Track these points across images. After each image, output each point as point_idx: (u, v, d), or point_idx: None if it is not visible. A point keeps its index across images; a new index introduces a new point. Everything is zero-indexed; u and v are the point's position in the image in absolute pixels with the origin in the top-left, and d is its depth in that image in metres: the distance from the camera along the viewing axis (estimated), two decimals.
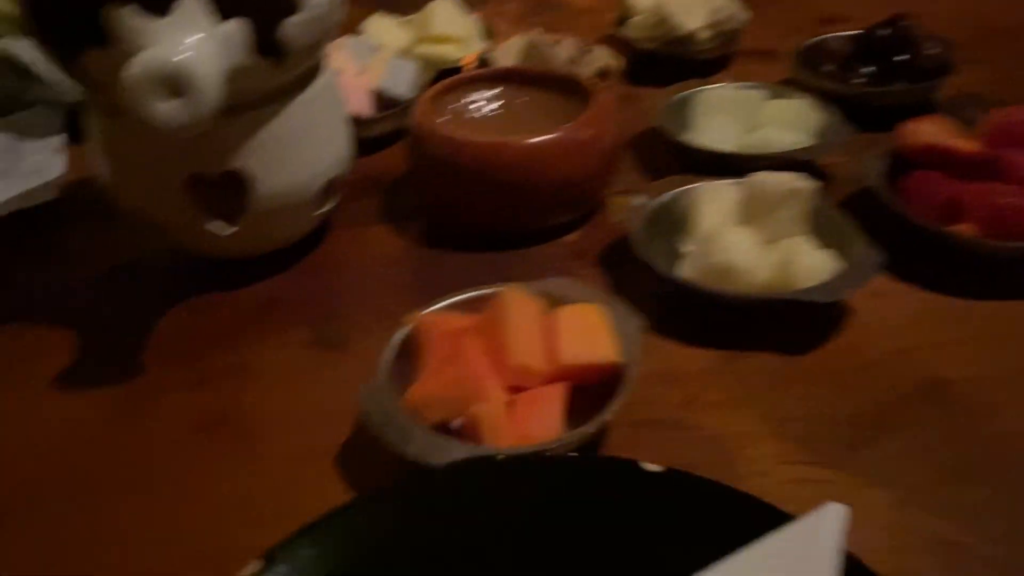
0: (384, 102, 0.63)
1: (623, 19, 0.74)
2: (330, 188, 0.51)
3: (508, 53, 0.67)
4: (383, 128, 0.63)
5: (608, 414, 0.37)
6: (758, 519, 0.28)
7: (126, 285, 0.53)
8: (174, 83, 0.38)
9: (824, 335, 0.45)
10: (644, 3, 0.73)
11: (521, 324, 0.40)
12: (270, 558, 0.28)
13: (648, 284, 0.47)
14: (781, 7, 0.82)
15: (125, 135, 0.47)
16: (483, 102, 0.57)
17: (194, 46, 0.39)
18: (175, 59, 0.37)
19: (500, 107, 0.57)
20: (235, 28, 0.42)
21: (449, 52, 0.70)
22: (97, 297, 0.52)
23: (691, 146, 0.56)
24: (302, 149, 0.49)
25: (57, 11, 0.42)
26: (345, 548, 0.29)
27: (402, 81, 0.63)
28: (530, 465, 0.32)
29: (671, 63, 0.70)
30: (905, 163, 0.52)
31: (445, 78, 0.65)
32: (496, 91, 0.58)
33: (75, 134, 0.68)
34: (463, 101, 0.57)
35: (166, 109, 0.38)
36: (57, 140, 0.67)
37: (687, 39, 0.69)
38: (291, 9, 0.44)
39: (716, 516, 0.30)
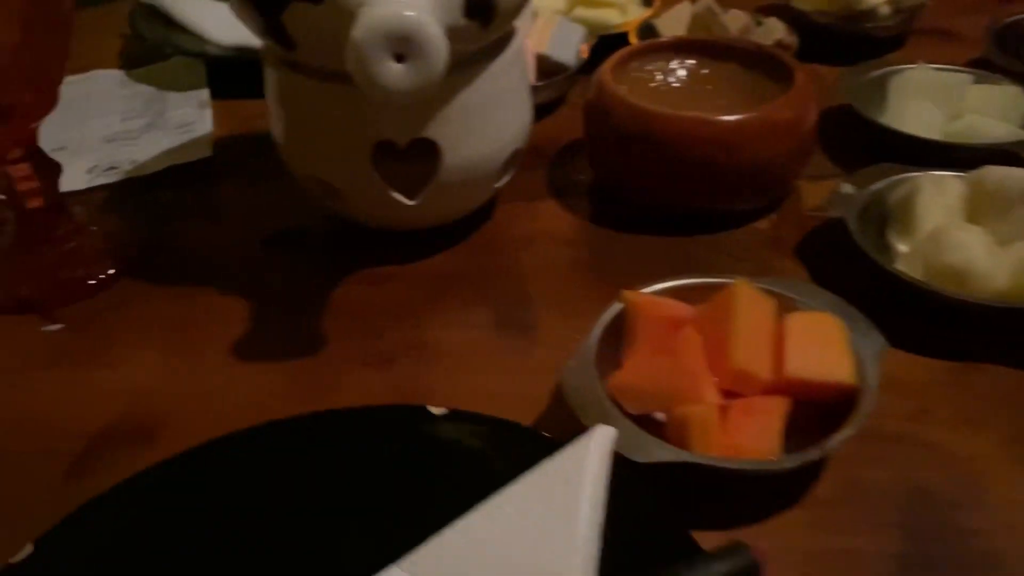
0: (547, 68, 0.60)
1: None
2: (513, 159, 0.49)
3: (674, 21, 0.63)
4: (547, 95, 0.59)
5: (836, 442, 0.34)
6: (540, 449, 0.31)
7: (294, 251, 0.50)
8: (405, 43, 0.35)
9: None
10: None
11: (748, 325, 0.36)
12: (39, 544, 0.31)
13: (859, 281, 0.44)
14: None
15: (313, 97, 0.44)
16: (668, 73, 0.54)
17: (421, 3, 0.36)
18: (408, 16, 0.35)
19: (687, 80, 0.53)
20: None
21: (609, 16, 0.66)
22: (265, 262, 0.50)
23: (892, 130, 0.52)
24: (493, 118, 0.46)
25: None
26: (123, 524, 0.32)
27: (568, 47, 0.60)
28: (322, 421, 0.36)
29: (845, 39, 0.66)
30: None
31: (606, 44, 0.61)
32: (682, 62, 0.54)
33: (217, 88, 0.66)
34: (646, 71, 0.54)
35: (395, 72, 0.35)
36: (202, 94, 0.65)
37: (867, 14, 0.64)
38: None
39: (502, 449, 0.34)
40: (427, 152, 0.45)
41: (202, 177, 0.57)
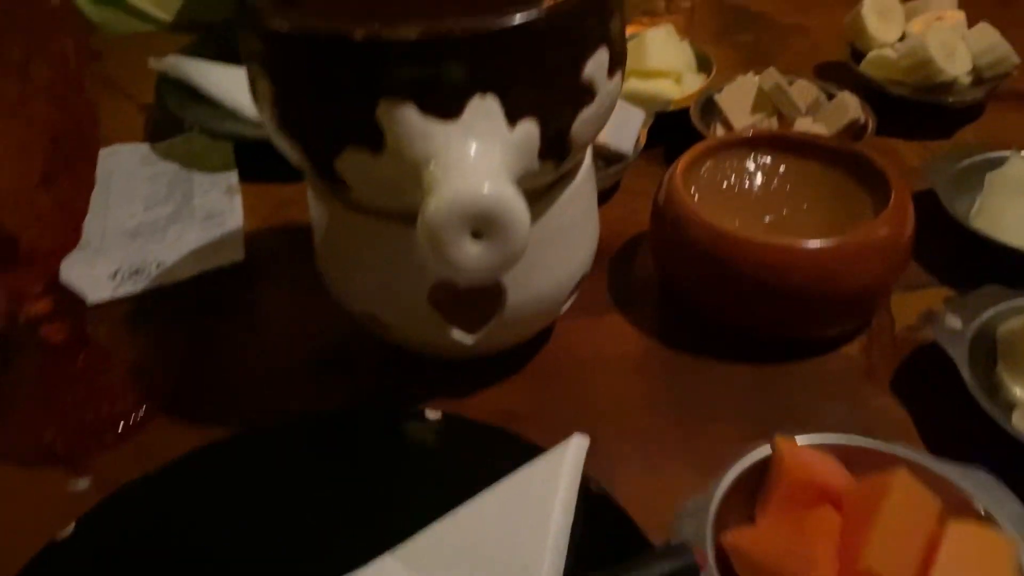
0: (604, 154, 0.55)
1: (857, 51, 0.65)
2: (579, 284, 0.44)
3: (738, 96, 0.59)
4: (601, 185, 0.55)
5: None
6: (522, 454, 0.36)
7: (341, 377, 0.46)
8: (484, 222, 0.30)
9: None
10: (886, 34, 0.64)
11: (896, 524, 0.32)
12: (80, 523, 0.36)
13: (973, 430, 0.39)
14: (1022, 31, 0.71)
15: (366, 235, 0.40)
16: (742, 173, 0.49)
17: (497, 170, 0.32)
18: (488, 195, 0.30)
19: (764, 180, 0.49)
20: (527, 133, 0.34)
21: (666, 89, 0.61)
22: (311, 391, 0.45)
23: (994, 241, 0.47)
24: (562, 249, 0.42)
25: (319, 103, 0.34)
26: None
27: (627, 134, 0.55)
28: (324, 422, 0.40)
29: (920, 108, 0.61)
30: None
31: (663, 122, 0.57)
32: (758, 159, 0.49)
33: (246, 168, 0.62)
34: (719, 170, 0.49)
35: (473, 252, 0.31)
36: (231, 177, 0.61)
37: (946, 85, 0.59)
38: (584, 101, 0.36)
39: (488, 453, 0.37)
40: (489, 288, 0.41)
41: (236, 283, 0.52)
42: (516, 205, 0.31)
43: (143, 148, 0.66)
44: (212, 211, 0.58)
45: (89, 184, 0.40)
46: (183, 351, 0.48)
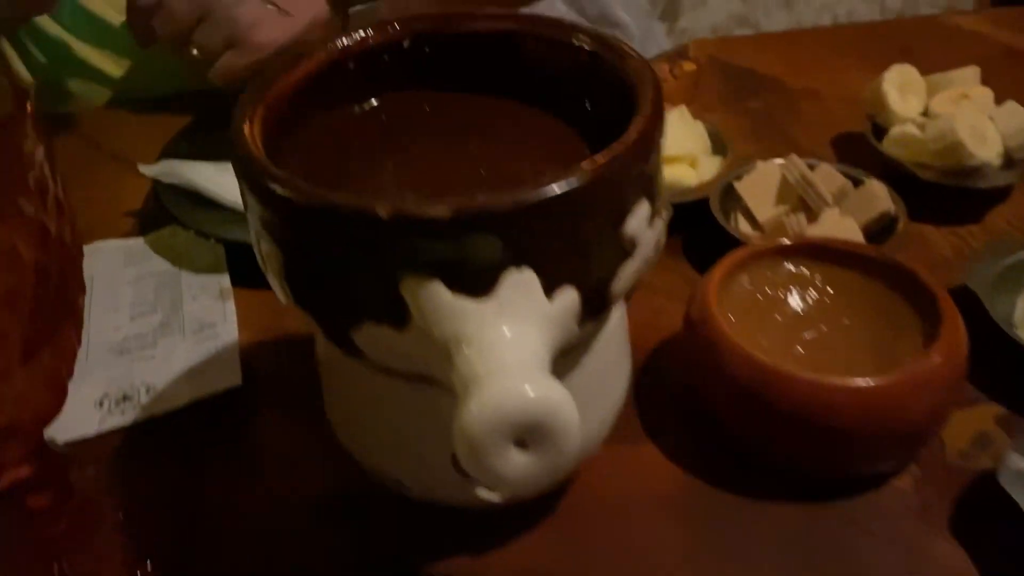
0: None
1: (877, 126, 0.62)
2: (613, 424, 0.41)
3: (760, 185, 0.55)
4: None
5: None
6: None
7: (352, 529, 0.42)
8: (531, 430, 0.27)
9: None
10: (908, 109, 0.61)
11: None
12: None
13: None
14: None
15: (384, 395, 0.36)
16: (778, 286, 0.46)
17: (543, 361, 0.28)
18: (536, 400, 0.27)
19: (801, 293, 0.45)
20: (567, 302, 0.31)
21: (683, 175, 0.58)
22: (318, 545, 0.42)
23: None
24: (596, 395, 0.38)
25: (336, 277, 0.31)
26: None
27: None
28: None
29: (947, 192, 0.58)
30: None
31: (682, 213, 0.54)
32: (794, 268, 0.46)
33: (239, 273, 0.57)
34: (754, 283, 0.46)
35: (518, 464, 0.27)
36: (222, 280, 0.57)
37: (977, 169, 0.56)
38: (625, 257, 0.33)
39: None
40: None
41: (233, 411, 0.48)
42: (566, 410, 0.27)
43: (127, 245, 0.61)
44: (204, 321, 0.54)
45: (73, 347, 0.36)
46: (175, 501, 0.44)
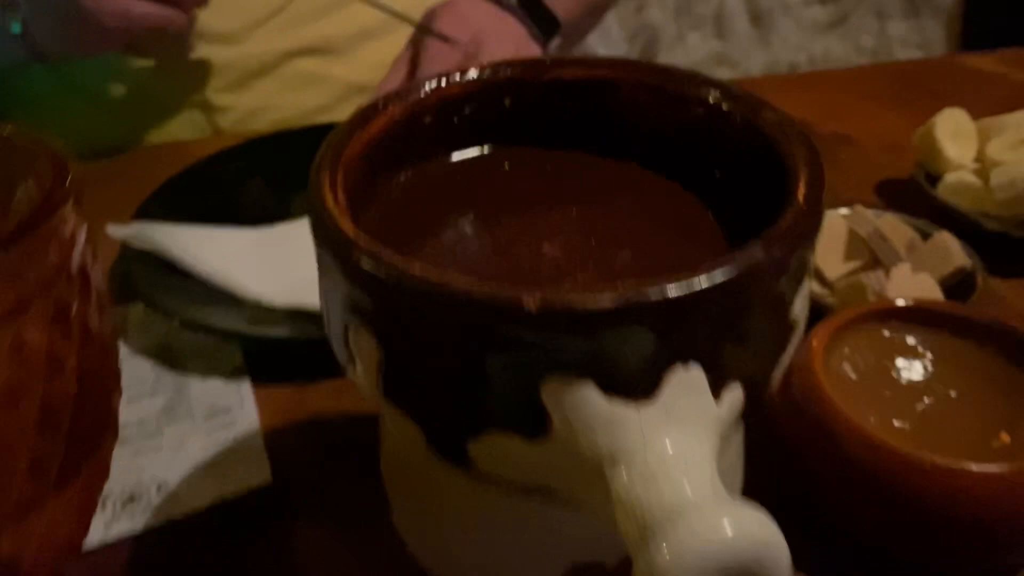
0: None
1: (929, 173, 0.59)
2: None
3: (824, 237, 0.51)
4: None
5: None
6: None
7: None
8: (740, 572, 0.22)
9: None
10: (961, 155, 0.58)
11: None
12: None
13: None
14: None
15: (486, 508, 0.30)
16: (879, 353, 0.41)
17: (715, 480, 0.23)
18: (746, 541, 0.21)
19: (905, 364, 0.41)
20: (733, 402, 0.26)
21: None
22: None
23: None
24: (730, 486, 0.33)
25: (457, 379, 0.25)
26: None
27: None
28: None
29: (1009, 241, 0.55)
30: None
31: None
32: (894, 336, 0.42)
33: (257, 368, 0.51)
34: (855, 352, 0.41)
35: None
36: (233, 358, 0.50)
37: None
38: (787, 343, 0.28)
39: None
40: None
41: (263, 515, 0.42)
42: (778, 547, 0.22)
43: (115, 313, 0.54)
44: (216, 405, 0.47)
45: (108, 464, 0.29)
46: None
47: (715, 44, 1.31)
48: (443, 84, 0.33)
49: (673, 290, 0.23)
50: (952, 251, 0.50)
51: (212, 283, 0.52)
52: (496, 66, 0.34)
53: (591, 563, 0.30)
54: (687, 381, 0.25)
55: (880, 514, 0.37)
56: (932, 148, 0.58)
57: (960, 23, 1.40)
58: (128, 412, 0.47)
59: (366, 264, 0.25)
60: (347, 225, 0.26)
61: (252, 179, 0.62)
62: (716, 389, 0.25)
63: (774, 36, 1.33)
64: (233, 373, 0.49)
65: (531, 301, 0.23)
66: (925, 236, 0.52)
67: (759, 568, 0.22)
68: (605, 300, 0.23)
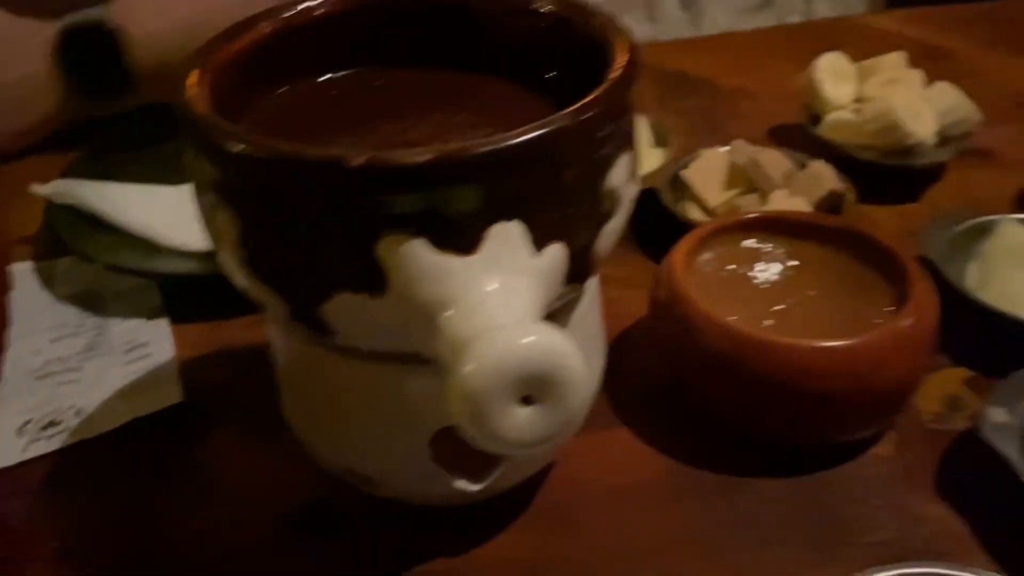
0: None
1: (814, 115, 0.63)
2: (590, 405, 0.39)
3: (708, 171, 0.55)
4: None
5: None
6: None
7: (320, 539, 0.39)
8: (537, 384, 0.25)
9: None
10: (840, 95, 0.62)
11: None
12: None
13: None
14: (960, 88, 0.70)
15: (354, 381, 0.33)
16: (742, 261, 0.45)
17: (536, 314, 0.26)
18: (540, 349, 0.24)
19: (767, 267, 0.45)
20: (554, 257, 0.29)
21: None
22: (280, 559, 0.38)
23: (1010, 318, 0.45)
24: None
25: (304, 242, 0.28)
26: None
27: None
28: None
29: (886, 172, 0.59)
30: None
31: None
32: (755, 242, 0.46)
33: (176, 310, 0.53)
34: (718, 260, 0.45)
35: (522, 420, 0.25)
36: (151, 300, 0.53)
37: (914, 148, 0.57)
38: (609, 213, 0.31)
39: None
40: None
41: (175, 432, 0.44)
42: (572, 359, 0.25)
43: (38, 268, 0.57)
44: (135, 341, 0.50)
45: None
46: (119, 528, 0.40)
47: (648, 27, 1.35)
48: (312, 4, 0.36)
49: (488, 147, 0.27)
50: (825, 177, 0.54)
51: (133, 232, 0.55)
52: None
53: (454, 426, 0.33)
54: (507, 235, 0.28)
55: (737, 395, 0.40)
56: (814, 90, 0.62)
57: None
58: (50, 351, 0.50)
59: (217, 141, 0.28)
60: (205, 110, 0.29)
61: (173, 140, 0.64)
62: (537, 243, 0.28)
63: (704, 20, 1.37)
64: (153, 313, 0.52)
65: (358, 159, 0.26)
66: (803, 167, 0.56)
67: (556, 376, 0.25)
68: (426, 155, 0.26)
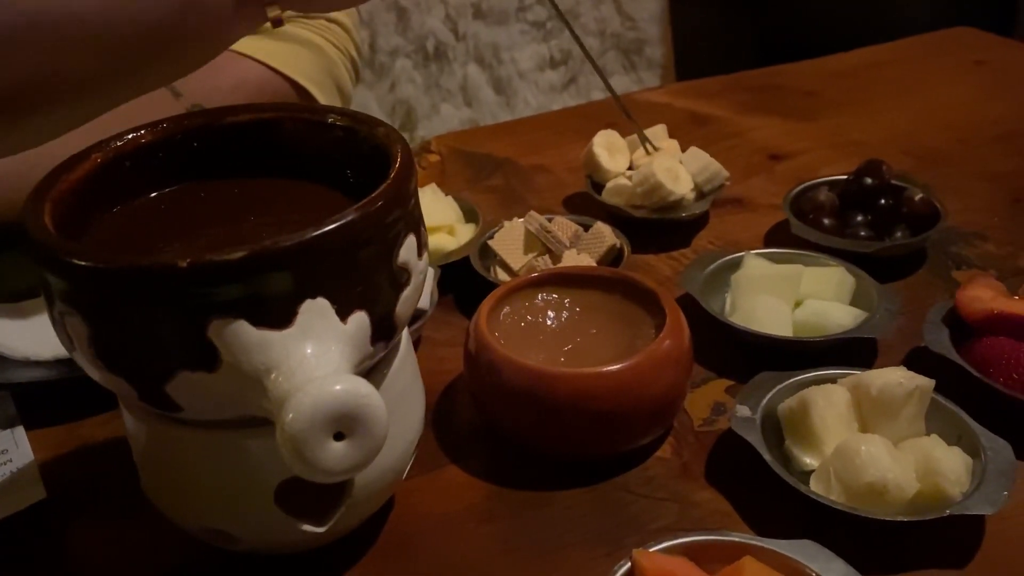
0: None
1: (595, 183, 0.73)
2: (416, 447, 0.46)
3: (510, 240, 0.64)
4: None
5: None
6: None
7: None
8: (347, 422, 0.32)
9: (973, 549, 0.44)
10: (617, 165, 0.72)
11: None
12: None
13: (785, 504, 0.45)
14: (721, 147, 0.83)
15: (202, 449, 0.39)
16: (537, 311, 0.53)
17: (344, 367, 0.33)
18: (346, 393, 0.31)
19: (558, 316, 0.53)
20: (359, 323, 0.36)
21: (444, 242, 0.65)
22: None
23: (759, 335, 0.55)
24: (398, 420, 0.43)
25: (145, 335, 0.34)
26: None
27: (423, 291, 0.58)
28: None
29: (658, 226, 0.70)
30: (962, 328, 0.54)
31: (449, 272, 0.62)
32: (547, 295, 0.54)
33: (31, 415, 0.56)
34: (516, 313, 0.53)
35: (337, 453, 0.32)
36: (5, 410, 0.56)
37: (677, 203, 0.68)
38: (403, 284, 0.39)
39: None
40: None
41: (42, 526, 0.48)
42: (373, 399, 0.32)
43: None
44: None
45: None
46: None
47: (466, 112, 1.47)
48: (140, 133, 0.43)
49: (292, 240, 0.34)
50: (606, 235, 0.64)
51: None
52: (184, 116, 0.44)
53: (294, 478, 0.39)
54: (316, 309, 0.35)
55: (538, 422, 0.48)
56: (594, 163, 0.72)
57: (673, 73, 1.64)
58: None
59: (64, 257, 0.33)
60: (49, 232, 0.35)
61: (8, 253, 0.67)
62: (342, 314, 0.35)
63: (517, 100, 1.51)
64: (7, 422, 0.55)
65: (183, 261, 0.32)
66: (588, 228, 0.66)
67: (362, 413, 0.32)
68: (242, 251, 0.33)
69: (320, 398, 0.31)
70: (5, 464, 0.52)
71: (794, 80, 0.99)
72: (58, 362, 0.57)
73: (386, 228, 0.37)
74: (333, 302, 0.35)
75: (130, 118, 0.75)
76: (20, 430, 0.55)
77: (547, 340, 0.52)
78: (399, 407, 0.43)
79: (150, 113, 0.75)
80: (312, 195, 0.43)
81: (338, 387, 0.32)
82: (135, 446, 0.42)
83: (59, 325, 0.36)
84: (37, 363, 0.57)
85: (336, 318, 0.35)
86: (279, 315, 0.34)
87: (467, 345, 0.51)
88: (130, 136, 0.42)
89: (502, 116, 1.46)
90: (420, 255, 0.40)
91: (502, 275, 0.63)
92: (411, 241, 0.39)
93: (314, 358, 0.34)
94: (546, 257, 0.62)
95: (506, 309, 0.53)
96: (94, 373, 0.37)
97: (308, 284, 0.35)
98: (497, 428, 0.51)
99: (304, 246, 0.34)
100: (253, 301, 0.34)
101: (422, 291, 0.42)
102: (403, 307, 0.39)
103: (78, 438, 0.54)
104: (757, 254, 0.62)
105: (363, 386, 0.32)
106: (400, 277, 0.39)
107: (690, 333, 0.51)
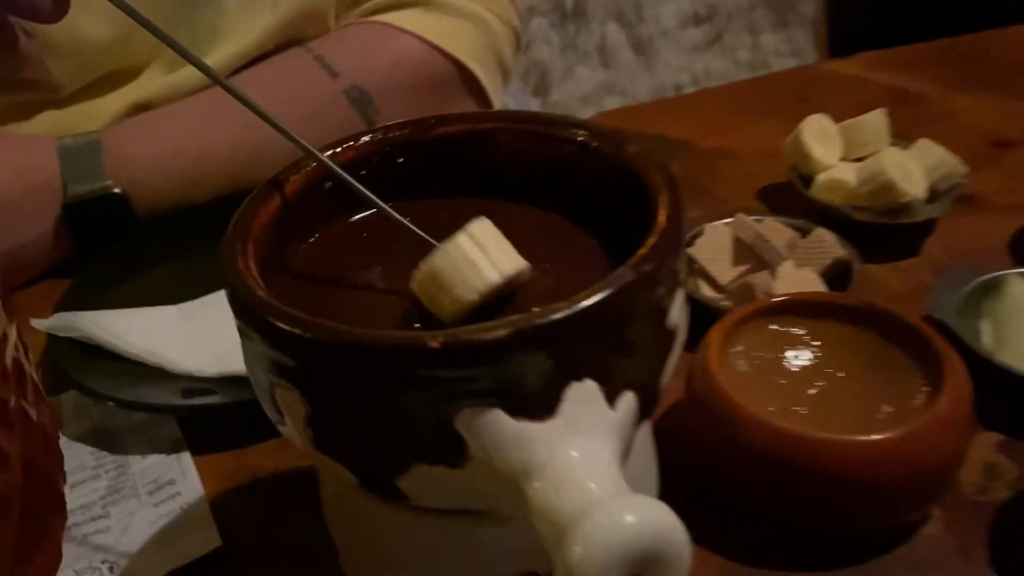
0: None
1: (802, 175, 0.64)
2: None
3: (711, 248, 0.56)
4: None
5: None
6: None
7: None
8: (647, 563, 0.25)
9: None
10: (829, 157, 0.63)
11: None
12: None
13: None
14: (931, 131, 0.72)
15: (427, 537, 0.33)
16: (771, 347, 0.45)
17: (619, 479, 0.26)
18: (651, 529, 0.24)
19: (797, 353, 0.45)
20: (628, 407, 0.29)
21: None
22: None
23: None
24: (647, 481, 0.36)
25: (378, 422, 0.28)
26: None
27: None
28: None
29: (882, 231, 0.60)
30: None
31: None
32: (784, 329, 0.46)
33: (196, 440, 0.51)
34: (748, 348, 0.45)
35: None
36: (171, 432, 0.52)
37: (907, 205, 0.59)
38: (670, 348, 0.31)
39: None
40: None
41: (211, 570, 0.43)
42: (677, 535, 0.25)
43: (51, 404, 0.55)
44: (160, 478, 0.49)
45: (60, 546, 0.31)
46: None
47: (603, 74, 1.38)
48: (339, 150, 0.36)
49: (558, 315, 0.26)
50: (829, 244, 0.55)
51: (141, 361, 0.53)
52: (387, 128, 0.37)
53: (525, 574, 0.33)
54: (583, 394, 0.28)
55: (784, 490, 0.40)
56: (801, 152, 0.63)
57: (826, 30, 1.50)
58: (72, 498, 0.48)
59: (283, 327, 0.27)
60: (261, 292, 0.28)
61: (165, 259, 0.63)
62: (611, 398, 0.28)
63: (657, 61, 1.40)
64: (172, 447, 0.51)
65: (434, 341, 0.26)
66: (804, 234, 0.57)
67: (661, 552, 0.25)
68: (500, 331, 0.26)
69: (614, 534, 0.24)
70: (174, 498, 0.48)
71: (1011, 50, 0.86)
72: (225, 380, 0.52)
73: (661, 288, 0.30)
74: (601, 384, 0.28)
75: (284, 98, 0.70)
76: (187, 456, 0.50)
77: (786, 384, 0.44)
78: (643, 486, 0.36)
79: (305, 93, 0.70)
80: (541, 226, 0.36)
81: (632, 519, 0.24)
82: (334, 518, 0.36)
83: (265, 394, 0.30)
84: (201, 379, 0.52)
85: (604, 404, 0.28)
86: (541, 403, 0.27)
87: (692, 385, 0.44)
88: (328, 153, 0.36)
89: (640, 79, 1.37)
90: (685, 307, 0.33)
91: (706, 290, 0.55)
92: (680, 297, 0.31)
93: (586, 462, 0.27)
94: (766, 273, 0.53)
95: (738, 346, 0.45)
96: (308, 454, 0.30)
97: (574, 365, 0.27)
98: (730, 487, 0.44)
99: (572, 322, 0.27)
100: (511, 386, 0.27)
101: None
102: (667, 376, 0.32)
103: (246, 469, 0.49)
104: (1020, 273, 0.52)
105: (664, 517, 0.25)
106: (668, 341, 0.31)
107: (971, 388, 0.42)
